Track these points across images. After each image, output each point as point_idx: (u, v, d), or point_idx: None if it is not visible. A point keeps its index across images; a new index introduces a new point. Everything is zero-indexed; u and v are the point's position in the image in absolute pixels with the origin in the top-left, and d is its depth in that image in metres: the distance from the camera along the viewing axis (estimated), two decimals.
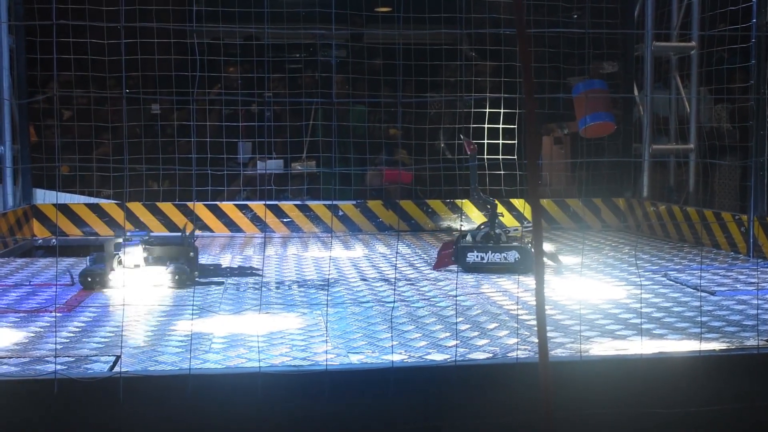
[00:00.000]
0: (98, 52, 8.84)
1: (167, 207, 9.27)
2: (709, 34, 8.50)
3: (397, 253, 7.91)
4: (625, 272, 6.70)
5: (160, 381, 3.85)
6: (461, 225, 9.37)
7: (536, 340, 4.42)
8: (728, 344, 4.43)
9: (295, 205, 9.51)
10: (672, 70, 9.23)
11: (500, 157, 8.97)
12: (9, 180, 8.86)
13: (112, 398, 3.69)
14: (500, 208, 8.53)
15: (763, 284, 6.01)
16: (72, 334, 4.67)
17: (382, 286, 6.23)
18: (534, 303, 5.39)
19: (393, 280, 6.42)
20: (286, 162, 9.71)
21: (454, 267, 6.74)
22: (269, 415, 3.84)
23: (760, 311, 5.05)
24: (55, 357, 4.06)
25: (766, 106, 7.29)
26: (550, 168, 10.38)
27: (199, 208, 9.26)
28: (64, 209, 9.22)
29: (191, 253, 6.33)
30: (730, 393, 4.16)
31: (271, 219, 9.40)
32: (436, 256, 7.11)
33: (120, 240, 6.13)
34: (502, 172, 9.04)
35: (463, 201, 9.43)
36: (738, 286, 6.12)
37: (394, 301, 5.50)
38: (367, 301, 5.61)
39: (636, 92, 9.54)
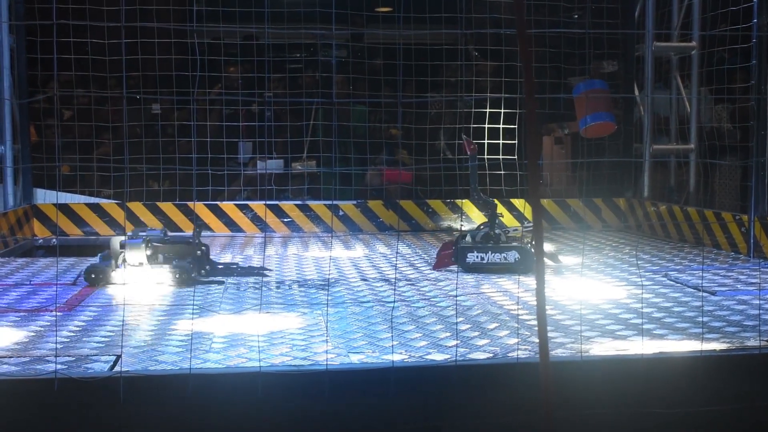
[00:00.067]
0: (99, 52, 8.84)
1: (168, 207, 9.27)
2: (709, 34, 8.49)
3: (397, 253, 7.91)
4: (625, 272, 6.70)
5: (161, 380, 3.86)
6: (461, 225, 9.37)
7: (536, 340, 4.41)
8: (729, 344, 4.42)
9: (296, 204, 9.51)
10: (673, 70, 9.23)
11: (500, 157, 8.97)
12: (9, 180, 8.86)
13: (112, 398, 3.69)
14: (500, 208, 8.53)
15: (763, 284, 6.01)
16: (72, 334, 4.68)
17: (382, 286, 6.23)
18: (534, 303, 5.40)
19: (393, 280, 6.42)
20: (286, 162, 9.71)
21: (454, 267, 6.74)
22: (269, 414, 3.84)
23: (761, 311, 5.04)
24: (56, 356, 4.06)
25: (766, 106, 7.29)
26: (551, 168, 10.38)
27: (200, 208, 9.26)
28: (65, 209, 9.22)
29: (198, 252, 6.34)
30: (731, 393, 4.16)
31: (271, 219, 9.40)
32: (436, 256, 7.11)
33: (123, 238, 6.17)
34: (502, 172, 9.03)
35: (464, 201, 9.43)
36: (739, 286, 6.12)
37: (394, 301, 5.50)
38: (368, 301, 5.61)
39: (637, 92, 9.53)
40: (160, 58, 9.05)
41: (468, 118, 9.43)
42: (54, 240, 9.06)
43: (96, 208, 9.27)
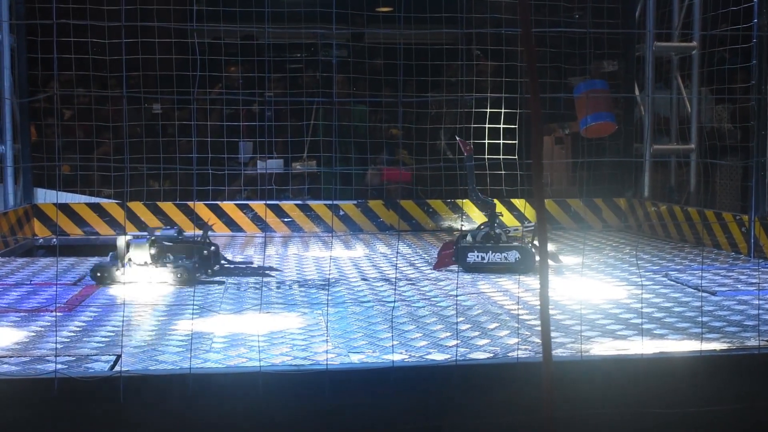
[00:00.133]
0: (99, 52, 8.84)
1: (168, 207, 9.27)
2: (710, 34, 8.49)
3: (397, 252, 7.91)
4: (626, 272, 6.70)
5: (161, 380, 3.86)
6: (462, 225, 9.37)
7: (537, 340, 4.42)
8: (729, 344, 4.42)
9: (296, 204, 9.51)
10: (673, 70, 9.23)
11: (501, 157, 8.97)
12: (10, 179, 8.86)
13: (112, 397, 3.69)
14: (500, 208, 8.52)
15: (764, 284, 6.01)
16: (72, 334, 4.68)
17: (382, 285, 6.23)
18: (534, 303, 5.40)
19: (394, 279, 6.42)
20: (286, 162, 9.71)
21: (454, 267, 6.74)
22: (269, 414, 3.84)
23: (761, 311, 5.04)
24: (56, 356, 4.06)
25: (767, 107, 7.28)
26: (552, 168, 10.38)
27: (200, 208, 9.26)
28: (65, 209, 9.22)
29: (205, 252, 6.35)
30: (731, 393, 4.15)
31: (271, 219, 9.40)
32: (436, 256, 7.11)
33: (128, 237, 6.21)
34: (502, 172, 9.03)
35: (464, 201, 9.43)
36: (739, 286, 6.12)
37: (394, 301, 5.50)
38: (368, 301, 5.61)
39: (637, 92, 9.53)
40: (161, 57, 9.05)
41: (468, 118, 9.43)
42: (54, 240, 9.06)
43: (96, 208, 9.27)
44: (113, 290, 5.98)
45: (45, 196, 9.31)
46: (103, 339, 4.55)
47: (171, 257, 6.31)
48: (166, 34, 9.09)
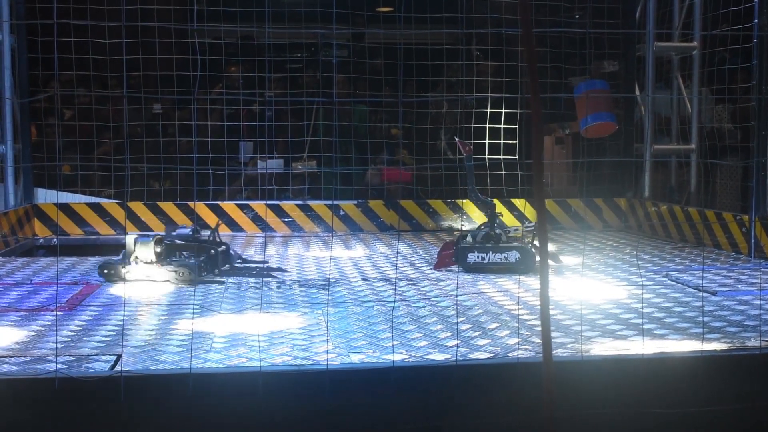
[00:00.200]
0: (100, 52, 8.84)
1: (168, 206, 9.27)
2: (710, 34, 8.49)
3: (398, 252, 7.91)
4: (626, 272, 6.69)
5: (161, 380, 3.86)
6: (462, 225, 9.37)
7: (537, 340, 4.42)
8: (729, 345, 4.42)
9: (297, 204, 9.51)
10: (673, 70, 9.23)
11: (501, 157, 8.97)
12: (10, 179, 8.87)
13: (113, 397, 3.69)
14: (500, 208, 8.52)
15: (764, 284, 6.00)
16: (73, 333, 4.68)
17: (383, 285, 6.23)
18: (535, 303, 5.40)
19: (394, 279, 6.42)
20: (287, 161, 9.71)
21: (455, 267, 6.74)
22: (270, 414, 3.84)
23: (761, 312, 5.04)
24: (56, 356, 4.06)
25: (767, 107, 7.28)
26: (552, 168, 10.38)
27: (201, 208, 9.26)
28: (66, 209, 9.22)
29: (212, 251, 6.36)
30: (731, 393, 4.15)
31: (272, 219, 9.40)
32: (436, 256, 7.11)
33: (135, 236, 6.26)
34: (503, 172, 9.03)
35: (464, 201, 9.42)
36: (739, 286, 6.12)
37: (395, 301, 5.50)
38: (368, 301, 5.61)
39: (637, 92, 9.53)
40: (161, 57, 9.05)
41: (469, 118, 9.43)
42: (55, 239, 9.06)
43: (97, 208, 9.27)
44: (114, 289, 5.98)
45: (45, 196, 9.31)
46: (104, 339, 4.56)
47: (176, 256, 6.33)
48: (167, 34, 9.09)
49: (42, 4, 8.58)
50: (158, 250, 6.20)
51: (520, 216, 9.33)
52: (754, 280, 6.24)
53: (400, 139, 9.93)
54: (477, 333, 4.68)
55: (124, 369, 3.85)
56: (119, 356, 4.14)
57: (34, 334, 4.67)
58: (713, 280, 6.35)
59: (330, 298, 5.64)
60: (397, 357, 4.14)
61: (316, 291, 6.00)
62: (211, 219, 9.26)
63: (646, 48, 9.04)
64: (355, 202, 9.56)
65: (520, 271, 6.50)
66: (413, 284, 6.25)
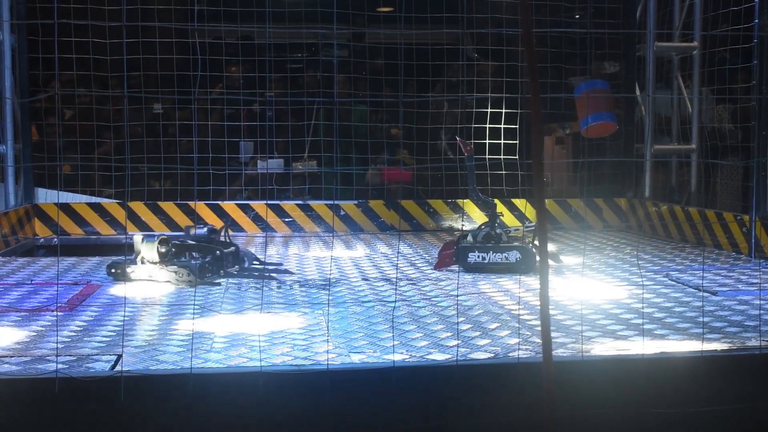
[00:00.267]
0: (100, 52, 8.85)
1: (169, 206, 9.28)
2: (711, 34, 8.49)
3: (398, 252, 7.91)
4: (626, 272, 6.69)
5: (162, 380, 3.86)
6: (462, 225, 9.37)
7: (537, 340, 4.42)
8: (730, 345, 4.42)
9: (297, 204, 9.51)
10: (674, 70, 9.23)
11: (502, 157, 8.97)
12: (11, 179, 8.87)
13: (113, 397, 3.69)
14: (501, 208, 8.52)
15: (765, 285, 6.00)
16: (73, 333, 4.68)
17: (383, 285, 6.23)
18: (535, 303, 5.40)
19: (394, 279, 6.42)
20: (287, 161, 9.71)
21: (455, 267, 6.74)
22: (270, 414, 3.84)
23: (761, 312, 5.04)
24: (57, 356, 4.06)
25: (767, 107, 7.29)
26: (552, 168, 10.38)
27: (201, 208, 9.26)
28: (66, 208, 9.23)
29: (218, 252, 6.37)
30: (732, 393, 4.15)
31: (272, 218, 9.40)
32: (437, 256, 7.11)
33: (141, 236, 6.32)
34: (503, 172, 9.03)
35: (465, 201, 9.42)
36: (740, 286, 6.12)
37: (395, 301, 5.50)
38: (369, 301, 5.61)
39: (638, 92, 9.53)
40: (162, 57, 9.06)
41: (469, 118, 9.43)
42: (55, 239, 9.07)
43: (97, 208, 9.28)
44: (114, 290, 5.98)
45: (46, 196, 9.31)
46: (104, 339, 4.56)
47: (184, 257, 6.33)
48: (167, 34, 9.09)
49: (43, 4, 8.57)
50: (162, 250, 6.21)
51: (520, 216, 9.33)
52: (755, 280, 6.24)
53: (401, 139, 9.93)
54: (477, 333, 4.68)
55: (124, 369, 3.85)
56: (120, 356, 4.14)
57: (34, 334, 4.67)
58: (713, 280, 6.35)
59: (330, 298, 5.64)
60: (398, 357, 4.14)
61: (316, 291, 6.00)
62: (211, 219, 9.27)
63: (647, 48, 9.04)
64: (356, 202, 9.57)
65: (521, 271, 6.49)
66: (414, 284, 6.25)
